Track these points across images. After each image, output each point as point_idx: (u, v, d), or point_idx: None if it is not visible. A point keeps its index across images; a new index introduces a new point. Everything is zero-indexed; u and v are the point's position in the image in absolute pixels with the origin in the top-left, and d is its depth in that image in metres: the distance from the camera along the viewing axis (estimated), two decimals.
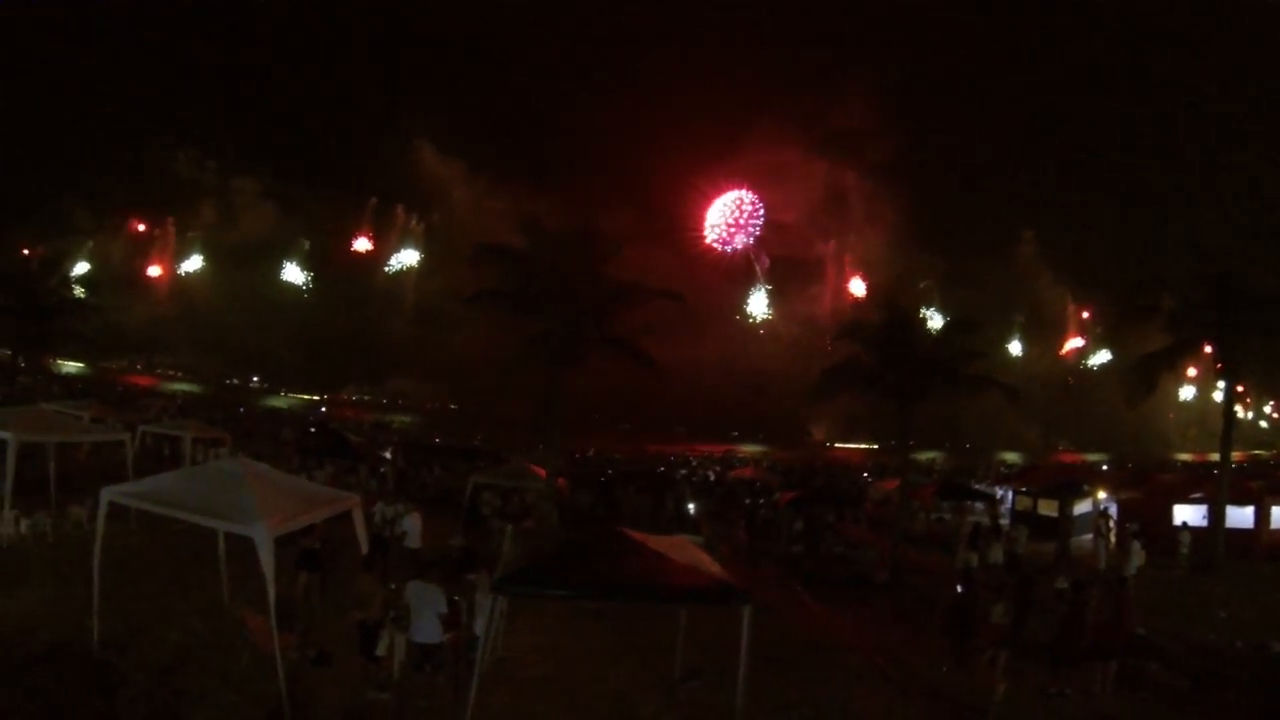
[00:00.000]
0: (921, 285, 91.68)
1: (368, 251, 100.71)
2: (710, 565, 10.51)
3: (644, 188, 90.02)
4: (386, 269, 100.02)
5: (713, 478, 49.88)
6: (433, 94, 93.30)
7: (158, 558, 16.84)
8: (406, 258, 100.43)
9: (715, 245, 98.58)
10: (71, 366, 72.52)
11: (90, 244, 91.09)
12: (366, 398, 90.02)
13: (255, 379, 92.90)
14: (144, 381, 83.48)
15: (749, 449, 79.78)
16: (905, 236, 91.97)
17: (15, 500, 18.14)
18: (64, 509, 19.31)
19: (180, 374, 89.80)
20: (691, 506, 33.85)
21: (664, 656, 13.48)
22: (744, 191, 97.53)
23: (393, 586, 13.04)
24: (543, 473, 27.47)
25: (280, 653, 10.83)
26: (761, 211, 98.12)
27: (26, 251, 64.12)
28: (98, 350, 66.85)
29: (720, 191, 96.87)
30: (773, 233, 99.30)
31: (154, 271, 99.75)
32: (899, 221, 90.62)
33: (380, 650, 12.13)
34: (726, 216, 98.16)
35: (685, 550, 10.85)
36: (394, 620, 12.22)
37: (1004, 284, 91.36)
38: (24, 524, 17.95)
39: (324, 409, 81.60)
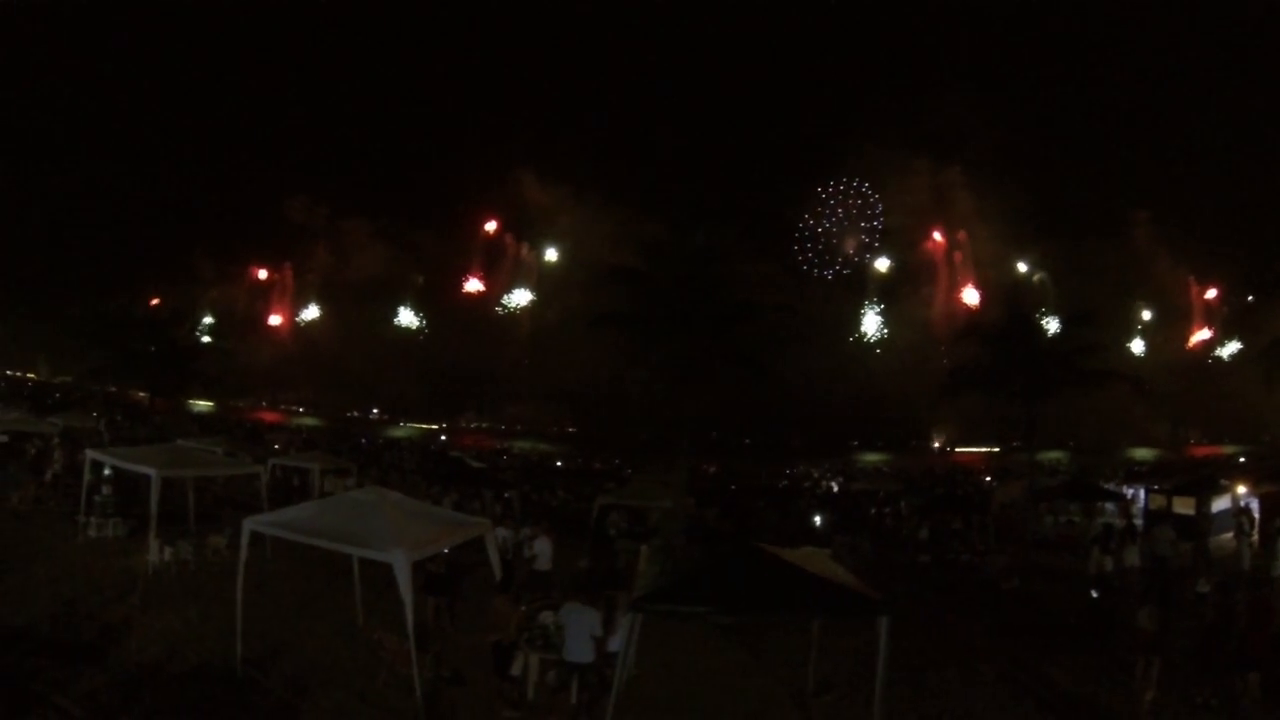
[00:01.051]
0: (1036, 279, 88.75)
1: (480, 281, 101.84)
2: (845, 576, 10.45)
3: (748, 197, 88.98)
4: (500, 308, 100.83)
5: (835, 489, 49.35)
6: (530, 121, 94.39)
7: (294, 583, 17.34)
8: (520, 296, 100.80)
9: (823, 253, 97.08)
10: (201, 405, 75.13)
11: (213, 292, 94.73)
12: (485, 425, 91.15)
13: (375, 411, 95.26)
14: (269, 417, 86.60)
15: (868, 458, 78.05)
16: (1015, 230, 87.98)
17: (158, 530, 18.80)
18: (203, 538, 19.93)
19: (302, 409, 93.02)
20: (817, 519, 33.44)
21: (794, 671, 13.52)
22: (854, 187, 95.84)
23: (523, 608, 13.26)
24: (669, 492, 27.45)
25: (418, 672, 11.13)
26: (875, 209, 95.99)
27: (156, 301, 67.63)
28: (225, 390, 69.39)
29: (820, 197, 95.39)
30: (880, 237, 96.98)
31: (274, 315, 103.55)
32: (1007, 214, 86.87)
33: (515, 670, 12.34)
34: (834, 220, 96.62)
35: (819, 562, 10.82)
36: (529, 641, 12.40)
37: (1121, 271, 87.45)
38: (167, 552, 18.56)
39: (443, 437, 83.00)
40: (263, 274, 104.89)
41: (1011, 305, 30.86)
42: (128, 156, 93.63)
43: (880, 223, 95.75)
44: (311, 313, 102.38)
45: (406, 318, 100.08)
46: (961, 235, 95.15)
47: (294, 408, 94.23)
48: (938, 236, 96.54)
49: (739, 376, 29.18)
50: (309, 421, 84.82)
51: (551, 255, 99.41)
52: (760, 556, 10.29)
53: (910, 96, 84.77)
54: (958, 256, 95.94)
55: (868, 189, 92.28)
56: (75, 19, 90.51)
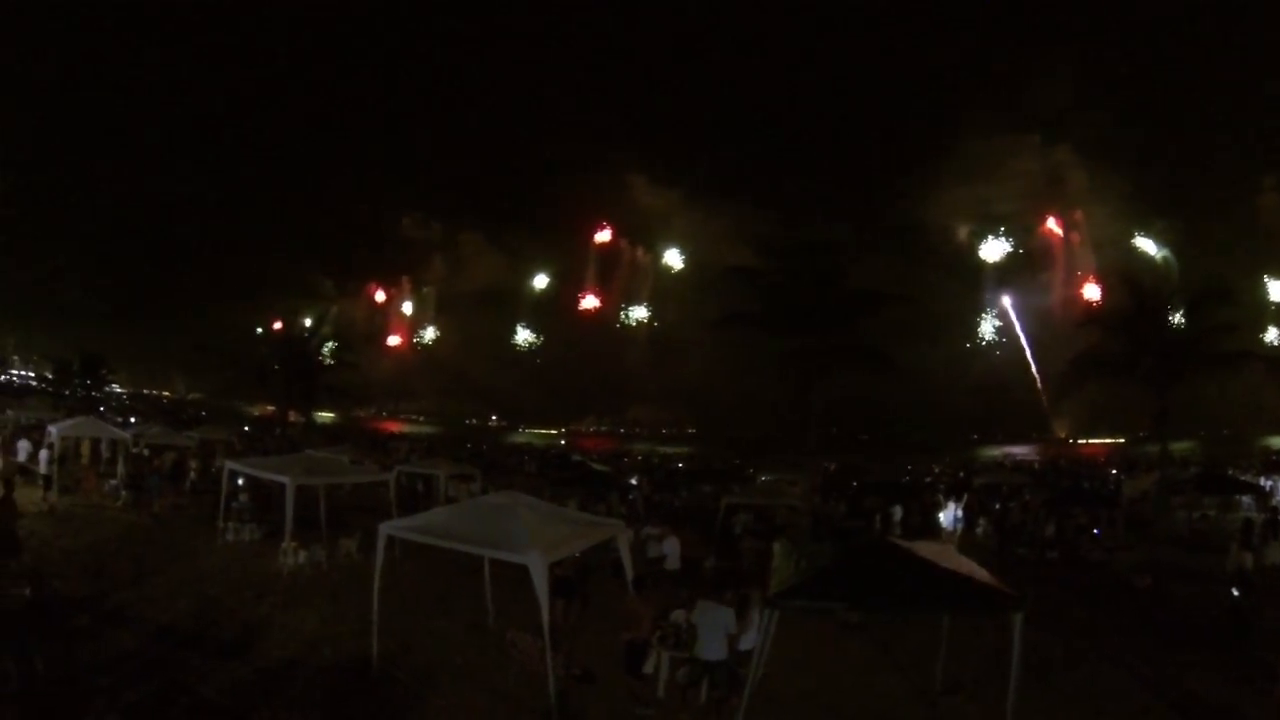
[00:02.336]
0: (1160, 257, 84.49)
1: (596, 296, 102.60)
2: (978, 571, 10.23)
3: (858, 188, 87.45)
4: (619, 324, 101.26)
5: (958, 482, 48.50)
6: (637, 124, 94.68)
7: (425, 584, 17.66)
8: (638, 310, 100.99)
9: (936, 242, 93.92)
10: (325, 416, 77.67)
11: (334, 308, 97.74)
12: (604, 428, 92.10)
13: (493, 418, 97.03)
14: (391, 426, 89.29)
15: (989, 452, 76.32)
16: (1133, 207, 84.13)
17: (292, 535, 19.68)
18: (335, 542, 20.68)
19: (422, 418, 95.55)
20: (941, 515, 32.94)
21: (921, 669, 13.32)
22: None
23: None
24: (796, 490, 27.37)
25: (551, 671, 11.34)
26: (986, 194, 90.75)
27: (280, 325, 70.47)
28: (348, 401, 71.63)
29: (932, 185, 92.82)
30: (992, 225, 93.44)
31: (393, 327, 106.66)
32: (1124, 192, 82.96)
33: (647, 668, 12.48)
34: (945, 208, 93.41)
35: (951, 557, 10.69)
36: (661, 639, 12.53)
37: (1249, 245, 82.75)
38: (302, 555, 19.36)
39: (562, 442, 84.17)
40: (381, 288, 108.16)
41: (1135, 286, 29.69)
42: (248, 183, 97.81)
43: (992, 208, 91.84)
44: (429, 324, 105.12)
45: (524, 335, 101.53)
46: (1078, 215, 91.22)
47: (414, 416, 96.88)
48: (1052, 220, 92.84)
49: (860, 371, 28.79)
50: (429, 429, 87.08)
51: (667, 258, 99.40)
52: (893, 551, 10.33)
53: (1013, 76, 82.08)
54: (1075, 238, 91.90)
55: (977, 174, 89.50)
56: (194, 49, 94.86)
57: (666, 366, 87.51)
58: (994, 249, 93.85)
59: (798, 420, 29.81)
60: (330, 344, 52.05)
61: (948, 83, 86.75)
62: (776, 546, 19.09)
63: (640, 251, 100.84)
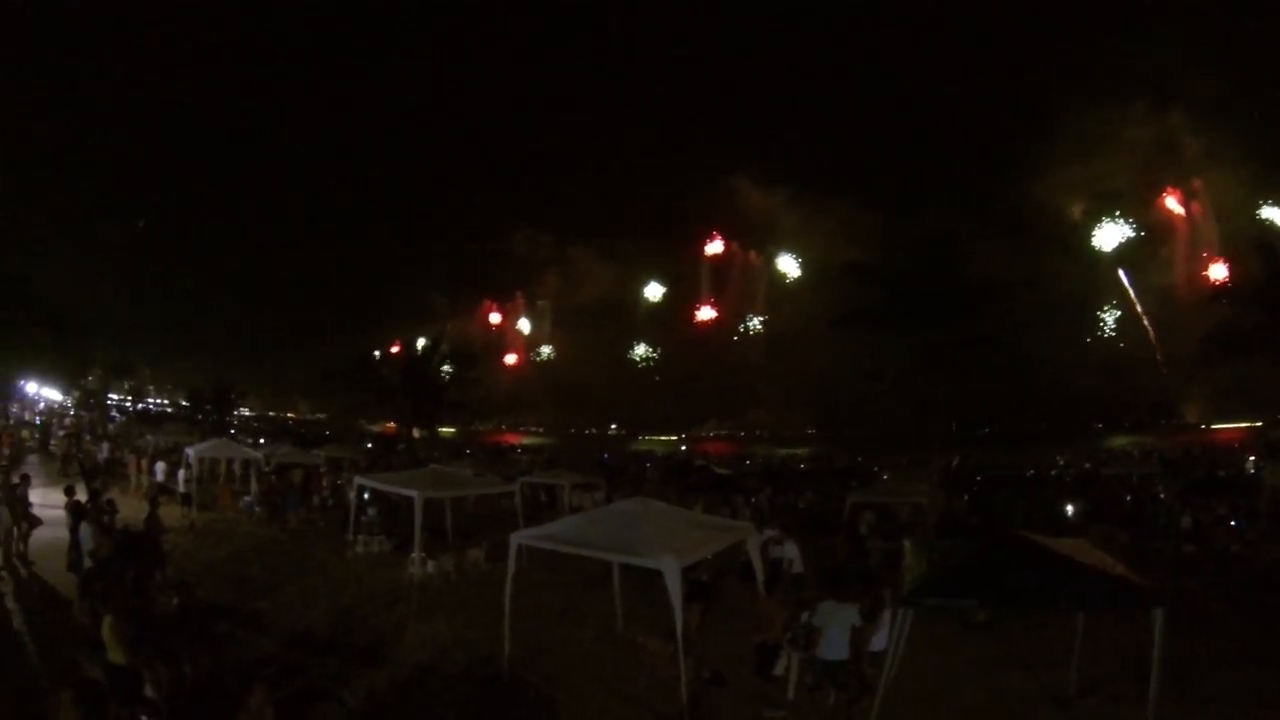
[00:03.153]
0: None
1: (712, 307, 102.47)
2: (1115, 565, 9.95)
3: (965, 173, 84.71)
4: (736, 336, 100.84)
5: (1084, 474, 47.13)
6: (739, 125, 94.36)
7: (553, 592, 17.82)
8: (754, 320, 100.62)
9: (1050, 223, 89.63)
10: (445, 431, 79.25)
11: (451, 326, 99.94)
12: (724, 432, 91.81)
13: (612, 426, 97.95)
14: (510, 439, 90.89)
15: (1116, 441, 72.89)
16: (1257, 171, 77.22)
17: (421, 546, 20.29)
18: (462, 552, 21.19)
19: (540, 429, 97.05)
20: (1068, 508, 31.61)
21: (1052, 670, 12.90)
22: None
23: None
24: (922, 487, 27.01)
25: (684, 674, 11.39)
26: (1098, 169, 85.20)
27: (400, 347, 72.74)
28: (468, 415, 73.16)
29: (1042, 164, 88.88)
30: (1106, 202, 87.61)
31: (510, 342, 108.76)
32: (1245, 155, 76.80)
33: (778, 670, 12.46)
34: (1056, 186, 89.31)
35: (1087, 551, 10.34)
36: (791, 641, 12.43)
37: None
38: (430, 565, 19.85)
39: (683, 447, 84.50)
40: (496, 304, 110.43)
41: (1270, 254, 28.29)
42: (360, 211, 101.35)
43: (1106, 184, 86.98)
44: (545, 337, 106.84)
45: (641, 349, 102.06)
46: (1196, 185, 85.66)
47: (533, 428, 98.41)
48: (1170, 193, 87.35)
49: (980, 362, 28.10)
50: (548, 441, 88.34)
51: (779, 259, 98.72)
52: (1028, 546, 10.04)
53: (1118, 39, 78.77)
54: (1195, 209, 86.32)
55: (1088, 149, 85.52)
56: (310, 92, 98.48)
57: (784, 368, 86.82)
58: (1110, 226, 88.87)
59: (920, 416, 29.24)
60: (450, 362, 53.38)
61: (1049, 53, 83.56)
62: (907, 544, 18.94)
63: (752, 254, 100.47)
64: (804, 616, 12.56)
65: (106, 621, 9.58)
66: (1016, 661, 14.20)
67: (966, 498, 33.71)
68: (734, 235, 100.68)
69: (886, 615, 11.76)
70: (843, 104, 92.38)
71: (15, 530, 17.80)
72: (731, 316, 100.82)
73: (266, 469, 32.07)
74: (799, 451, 77.49)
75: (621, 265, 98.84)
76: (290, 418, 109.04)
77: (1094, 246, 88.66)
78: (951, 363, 27.14)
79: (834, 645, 11.70)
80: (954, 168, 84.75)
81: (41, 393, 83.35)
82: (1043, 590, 9.62)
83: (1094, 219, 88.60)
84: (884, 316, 27.91)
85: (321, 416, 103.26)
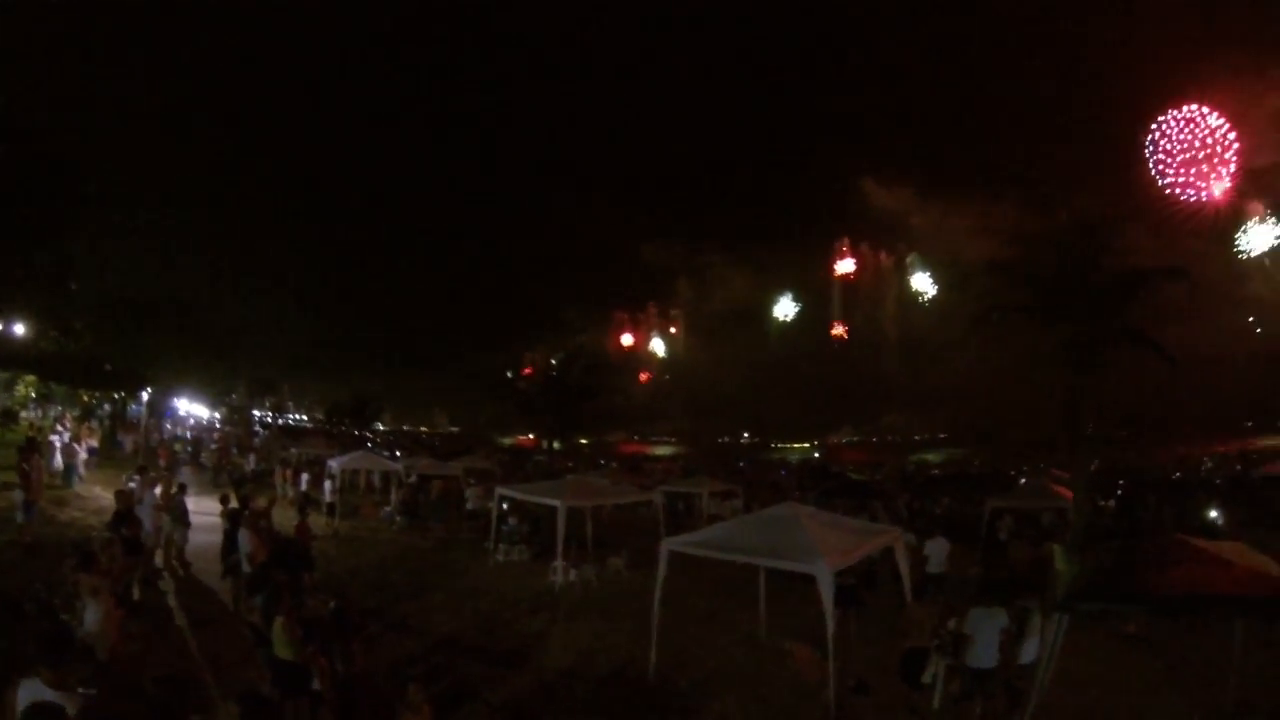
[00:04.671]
0: None
1: (842, 326, 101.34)
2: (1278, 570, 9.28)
3: (1103, 159, 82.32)
4: (867, 349, 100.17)
5: (1236, 475, 44.85)
6: (862, 126, 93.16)
7: (695, 598, 17.83)
8: (883, 319, 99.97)
9: (1176, 191, 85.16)
10: (580, 442, 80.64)
11: (584, 338, 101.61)
12: (857, 439, 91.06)
13: (745, 435, 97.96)
14: (643, 449, 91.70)
15: (1268, 441, 67.87)
16: None
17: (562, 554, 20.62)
18: (603, 560, 21.65)
19: (674, 439, 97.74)
20: (1213, 512, 30.45)
21: (1208, 689, 12.20)
22: (1199, 111, 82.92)
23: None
24: (1066, 492, 26.23)
25: (832, 681, 11.37)
26: (1230, 137, 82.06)
27: (535, 360, 74.36)
28: (603, 425, 74.11)
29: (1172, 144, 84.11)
30: (1254, 178, 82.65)
31: (642, 353, 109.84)
32: None
33: (925, 678, 12.20)
34: (1183, 150, 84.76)
35: (1249, 555, 9.72)
36: (938, 647, 12.17)
37: None
38: (572, 573, 20.19)
39: (817, 454, 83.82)
40: (628, 314, 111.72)
41: None
42: (490, 227, 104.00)
43: (1250, 159, 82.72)
44: (678, 346, 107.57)
45: (775, 353, 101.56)
46: None
47: (666, 438, 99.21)
48: None
49: (1129, 359, 26.84)
50: (680, 449, 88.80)
51: (910, 260, 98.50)
52: (1185, 548, 9.56)
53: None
54: None
55: (1230, 122, 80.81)
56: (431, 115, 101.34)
57: (919, 371, 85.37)
58: (1256, 206, 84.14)
59: (1063, 417, 28.10)
60: (588, 373, 54.16)
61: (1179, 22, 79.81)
62: (1056, 549, 18.54)
63: (883, 255, 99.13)
64: (952, 623, 12.33)
65: (279, 621, 10.12)
66: (1172, 677, 13.63)
67: (1111, 502, 32.59)
68: (864, 237, 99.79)
69: (1036, 623, 11.40)
70: (967, 96, 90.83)
71: (175, 535, 18.87)
72: (864, 322, 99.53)
73: (408, 480, 33.09)
74: (930, 457, 76.02)
75: (753, 272, 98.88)
76: (424, 431, 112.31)
77: (1241, 229, 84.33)
78: (1098, 360, 25.94)
79: (983, 653, 11.46)
80: (1090, 153, 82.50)
81: (190, 409, 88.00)
82: (1204, 594, 8.99)
83: (1240, 198, 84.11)
84: (1029, 312, 26.89)
85: (455, 429, 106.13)
